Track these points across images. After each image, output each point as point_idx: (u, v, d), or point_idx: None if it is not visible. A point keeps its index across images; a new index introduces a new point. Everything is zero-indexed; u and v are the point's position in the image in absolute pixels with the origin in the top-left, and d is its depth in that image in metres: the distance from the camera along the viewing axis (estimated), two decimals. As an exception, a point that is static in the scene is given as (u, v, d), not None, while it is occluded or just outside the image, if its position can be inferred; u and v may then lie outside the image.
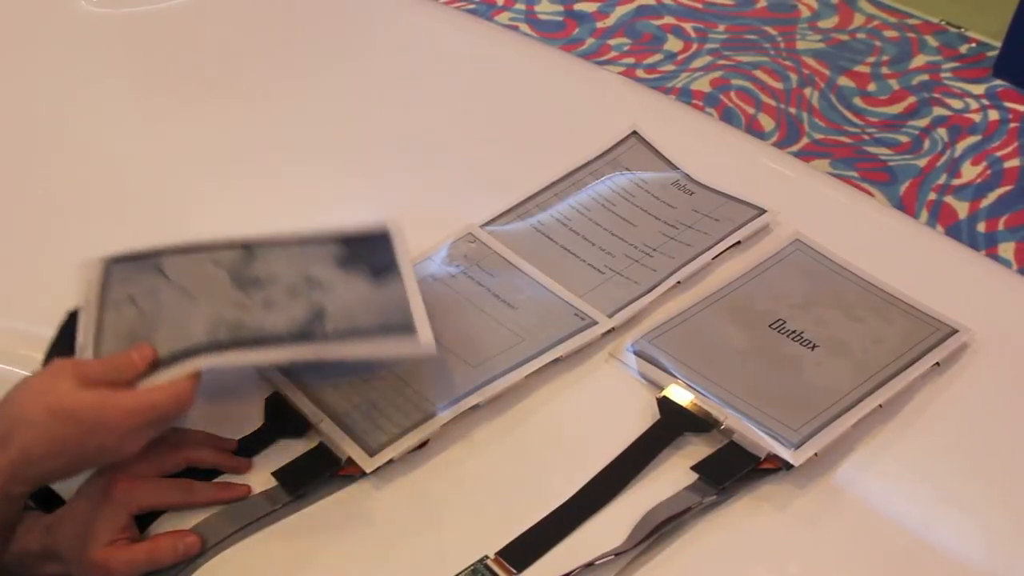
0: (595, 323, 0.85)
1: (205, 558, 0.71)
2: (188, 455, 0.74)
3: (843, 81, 2.23)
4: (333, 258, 0.79)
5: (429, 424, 0.76)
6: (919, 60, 2.30)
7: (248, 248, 0.79)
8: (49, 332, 0.85)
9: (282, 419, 0.79)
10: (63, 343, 0.74)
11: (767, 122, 2.12)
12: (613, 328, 0.85)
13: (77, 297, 0.76)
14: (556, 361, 0.82)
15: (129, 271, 0.77)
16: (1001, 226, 1.90)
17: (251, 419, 0.79)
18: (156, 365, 0.70)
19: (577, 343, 0.83)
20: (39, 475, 0.66)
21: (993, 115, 2.13)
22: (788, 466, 0.74)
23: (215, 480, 0.75)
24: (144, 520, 0.72)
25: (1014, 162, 2.02)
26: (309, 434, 0.78)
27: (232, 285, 0.75)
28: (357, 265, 0.78)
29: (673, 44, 2.34)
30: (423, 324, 0.74)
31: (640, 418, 0.79)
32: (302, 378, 0.80)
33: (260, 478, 0.75)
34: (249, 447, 0.77)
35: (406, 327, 0.74)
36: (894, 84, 2.23)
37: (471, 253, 0.92)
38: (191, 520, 0.72)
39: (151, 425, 0.68)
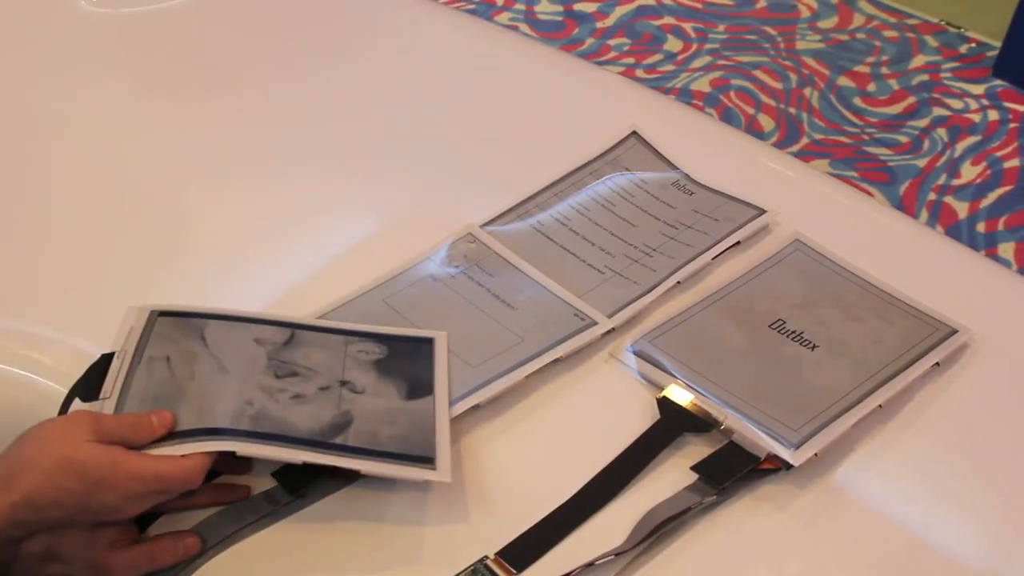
0: (595, 323, 0.85)
1: (205, 558, 0.71)
2: (191, 501, 0.74)
3: (843, 81, 2.23)
4: (372, 362, 0.79)
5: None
6: (919, 60, 2.30)
7: (292, 330, 0.80)
8: (49, 332, 0.85)
9: None
10: (90, 382, 0.74)
11: (767, 122, 2.12)
12: (613, 328, 0.85)
13: (114, 341, 0.76)
14: (556, 361, 0.82)
15: (172, 328, 0.78)
16: (1001, 226, 1.90)
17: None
18: (172, 435, 0.70)
19: (577, 343, 0.83)
20: (38, 521, 0.66)
21: (993, 115, 2.14)
22: (788, 466, 0.74)
23: (214, 481, 0.75)
24: (144, 521, 0.72)
25: (1014, 162, 2.02)
26: None
27: (267, 368, 0.76)
28: (393, 375, 0.79)
29: (673, 44, 2.34)
30: (444, 456, 0.73)
31: (640, 418, 0.79)
32: None
33: (260, 479, 0.75)
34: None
35: (426, 459, 0.73)
36: (894, 84, 2.23)
37: (471, 253, 0.92)
38: (191, 520, 0.72)
39: (155, 493, 0.68)
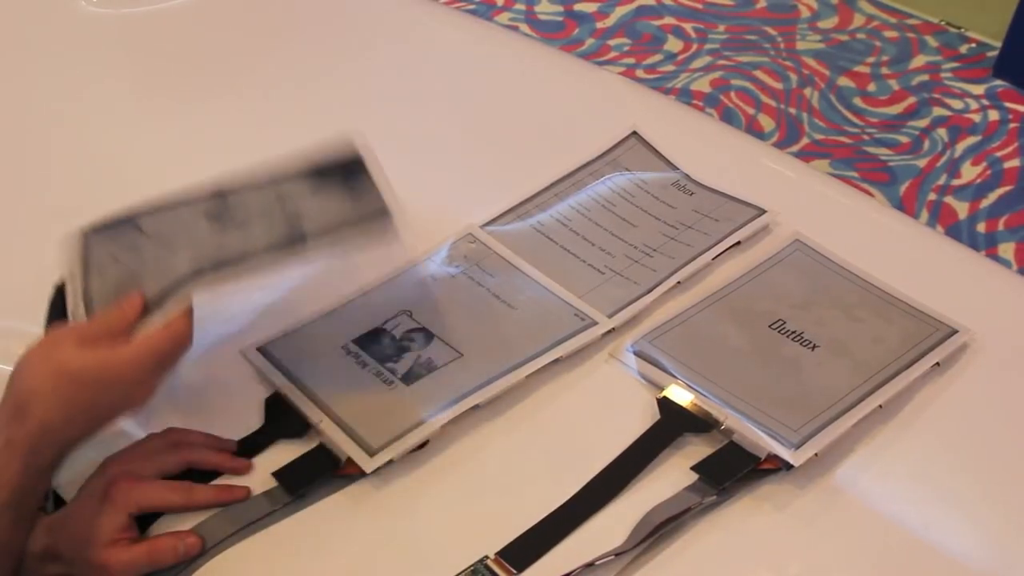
0: (595, 323, 0.85)
1: (205, 558, 0.71)
2: (188, 456, 0.75)
3: (843, 81, 2.23)
4: (308, 188, 0.78)
5: (429, 424, 0.76)
6: (919, 60, 2.30)
7: (222, 196, 0.78)
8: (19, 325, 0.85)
9: (282, 420, 0.79)
10: (56, 316, 0.74)
11: (767, 122, 2.12)
12: (613, 328, 0.85)
13: (62, 270, 0.76)
14: (556, 361, 0.82)
15: (108, 236, 0.76)
16: (1001, 226, 1.90)
17: (251, 420, 0.79)
18: (147, 310, 0.69)
19: (577, 343, 0.83)
20: (60, 442, 0.67)
21: (993, 115, 2.13)
22: (788, 466, 0.74)
23: (215, 482, 0.75)
24: (144, 521, 0.72)
25: (1014, 162, 2.02)
26: (309, 434, 0.78)
27: (210, 228, 0.75)
28: (329, 181, 0.78)
29: (673, 44, 2.33)
30: (395, 207, 0.75)
31: (640, 418, 0.79)
32: (302, 378, 0.80)
33: (260, 478, 0.75)
34: (249, 448, 0.77)
35: (380, 212, 0.75)
36: (894, 84, 2.23)
37: (471, 253, 0.92)
38: (191, 520, 0.72)
39: (156, 370, 0.68)
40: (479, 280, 0.89)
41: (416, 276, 0.90)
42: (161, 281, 0.71)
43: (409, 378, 0.80)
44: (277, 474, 0.75)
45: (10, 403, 0.66)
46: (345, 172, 0.78)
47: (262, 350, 0.83)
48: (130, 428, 0.78)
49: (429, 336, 0.84)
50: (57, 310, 0.74)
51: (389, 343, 0.83)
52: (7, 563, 0.66)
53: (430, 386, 0.80)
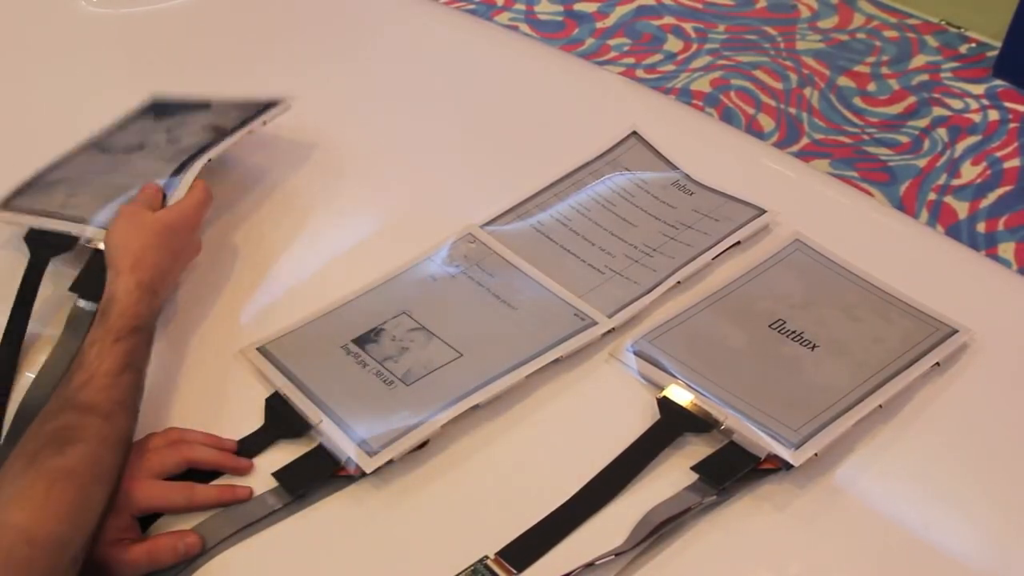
0: (595, 323, 0.85)
1: (205, 558, 0.71)
2: (188, 454, 0.75)
3: (843, 81, 2.23)
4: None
5: (429, 424, 0.76)
6: (919, 60, 2.30)
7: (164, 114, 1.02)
8: (49, 332, 0.85)
9: (282, 419, 0.79)
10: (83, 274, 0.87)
11: (767, 122, 2.12)
12: (613, 328, 0.85)
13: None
14: (556, 361, 0.82)
15: (30, 194, 0.94)
16: (1001, 226, 1.90)
17: (251, 420, 0.79)
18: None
19: (577, 343, 0.83)
20: (166, 284, 0.84)
21: (993, 115, 2.13)
22: (788, 466, 0.74)
23: (216, 482, 0.75)
24: (145, 520, 0.72)
25: (1014, 162, 2.02)
26: (309, 434, 0.78)
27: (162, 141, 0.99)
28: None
29: (673, 44, 2.33)
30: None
31: (640, 418, 0.79)
32: (302, 378, 0.80)
33: (260, 479, 0.75)
34: (249, 448, 0.77)
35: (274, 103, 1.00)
36: (894, 84, 2.23)
37: (471, 253, 0.92)
38: (192, 520, 0.72)
39: (200, 220, 0.89)
40: (479, 280, 0.89)
41: (416, 276, 0.90)
42: (172, 162, 0.93)
43: (409, 378, 0.80)
44: (277, 474, 0.75)
45: (129, 260, 0.81)
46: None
47: (262, 350, 0.83)
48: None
49: (429, 336, 0.84)
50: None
51: (389, 343, 0.83)
52: (138, 393, 0.76)
53: (430, 386, 0.80)
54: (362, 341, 0.84)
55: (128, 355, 0.75)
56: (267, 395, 0.80)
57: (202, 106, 1.03)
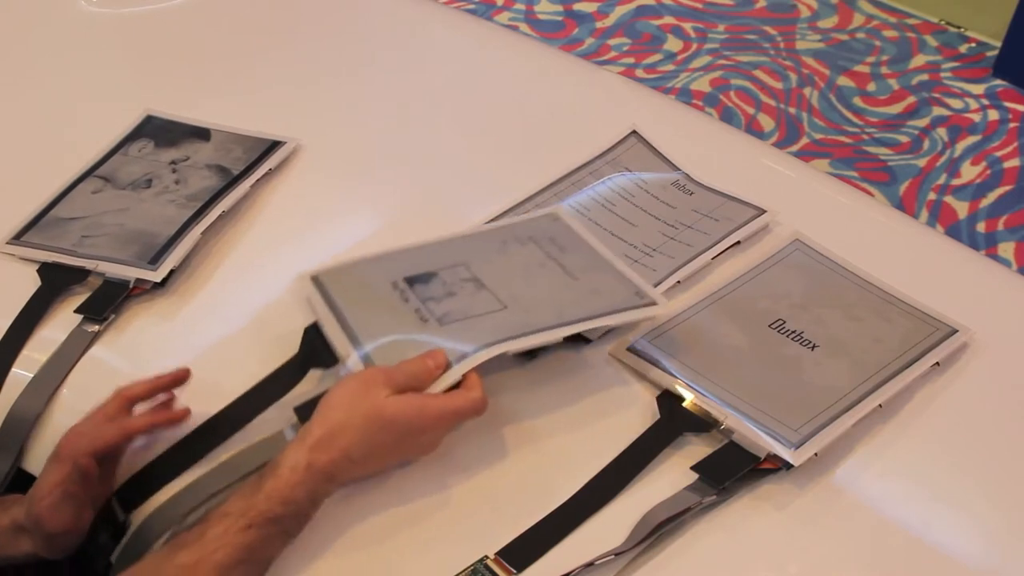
0: (654, 303, 0.82)
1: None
2: (126, 427, 0.75)
3: (843, 81, 2.23)
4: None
5: (453, 371, 0.75)
6: (919, 60, 2.30)
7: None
8: (49, 333, 0.86)
9: (313, 351, 0.79)
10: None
11: (767, 122, 2.12)
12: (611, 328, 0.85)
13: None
14: (555, 355, 0.82)
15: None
16: (1001, 226, 1.90)
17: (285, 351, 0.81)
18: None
19: (630, 316, 0.81)
20: (352, 475, 0.72)
21: (993, 115, 2.13)
22: (788, 466, 0.74)
23: (154, 405, 0.77)
24: (130, 503, 0.75)
25: (1014, 162, 2.02)
26: (336, 368, 0.78)
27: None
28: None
29: (673, 44, 2.33)
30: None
31: (640, 418, 0.79)
32: (343, 310, 0.81)
33: (285, 416, 0.77)
34: (281, 377, 0.79)
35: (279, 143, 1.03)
36: (894, 84, 2.23)
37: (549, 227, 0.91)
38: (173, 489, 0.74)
39: (451, 427, 0.75)
40: (549, 252, 0.87)
41: (488, 238, 0.89)
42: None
43: (446, 320, 0.79)
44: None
45: (319, 432, 0.70)
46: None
47: (315, 279, 0.84)
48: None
49: (479, 286, 0.83)
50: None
51: (438, 286, 0.83)
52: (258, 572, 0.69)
53: (463, 330, 0.78)
54: (412, 280, 0.83)
55: (249, 550, 0.66)
56: (308, 324, 0.81)
57: (201, 133, 1.04)
